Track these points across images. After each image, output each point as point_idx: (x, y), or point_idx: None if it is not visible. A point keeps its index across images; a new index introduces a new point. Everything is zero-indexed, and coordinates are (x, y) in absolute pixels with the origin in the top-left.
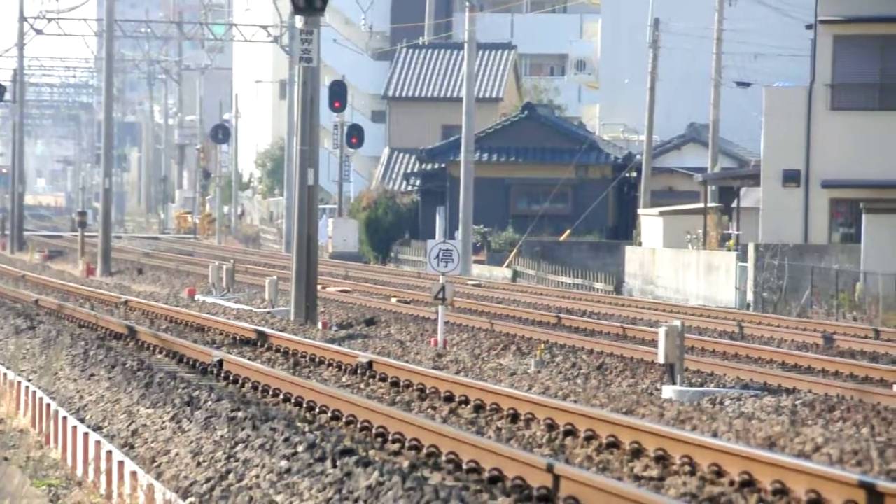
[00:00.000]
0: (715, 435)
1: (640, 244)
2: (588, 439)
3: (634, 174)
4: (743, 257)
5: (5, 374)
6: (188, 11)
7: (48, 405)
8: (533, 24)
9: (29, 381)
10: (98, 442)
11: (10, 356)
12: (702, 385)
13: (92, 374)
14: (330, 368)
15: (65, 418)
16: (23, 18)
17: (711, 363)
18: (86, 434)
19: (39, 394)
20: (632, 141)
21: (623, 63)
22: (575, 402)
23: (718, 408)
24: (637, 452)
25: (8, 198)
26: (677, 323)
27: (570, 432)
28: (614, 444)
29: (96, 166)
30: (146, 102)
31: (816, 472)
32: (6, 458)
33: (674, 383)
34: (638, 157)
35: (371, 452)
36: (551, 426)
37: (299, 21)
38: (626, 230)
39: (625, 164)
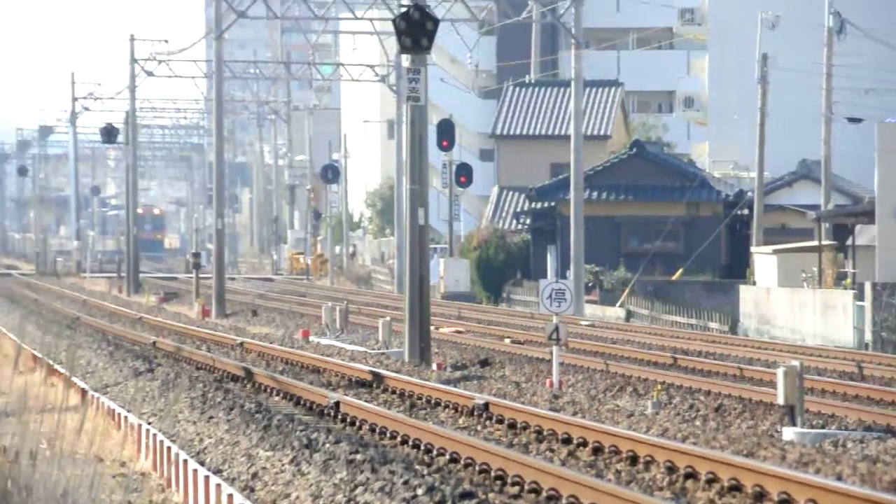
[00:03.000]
0: (839, 478)
1: (754, 283)
2: (709, 482)
3: (746, 212)
4: (860, 296)
5: (126, 417)
6: (296, 52)
7: (169, 448)
8: (640, 61)
9: (149, 423)
10: (219, 485)
11: (130, 399)
12: (823, 427)
13: (211, 417)
14: (446, 410)
15: (185, 461)
16: (134, 61)
17: (832, 404)
18: (206, 477)
19: (160, 437)
20: (742, 178)
21: (731, 99)
22: (695, 444)
23: (841, 450)
24: (760, 496)
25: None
26: (796, 363)
27: (691, 475)
28: (736, 488)
29: (208, 207)
30: (256, 143)
31: None
32: (129, 503)
33: (794, 425)
34: (749, 194)
35: (491, 496)
36: (671, 469)
37: (406, 60)
38: (739, 269)
39: (736, 201)
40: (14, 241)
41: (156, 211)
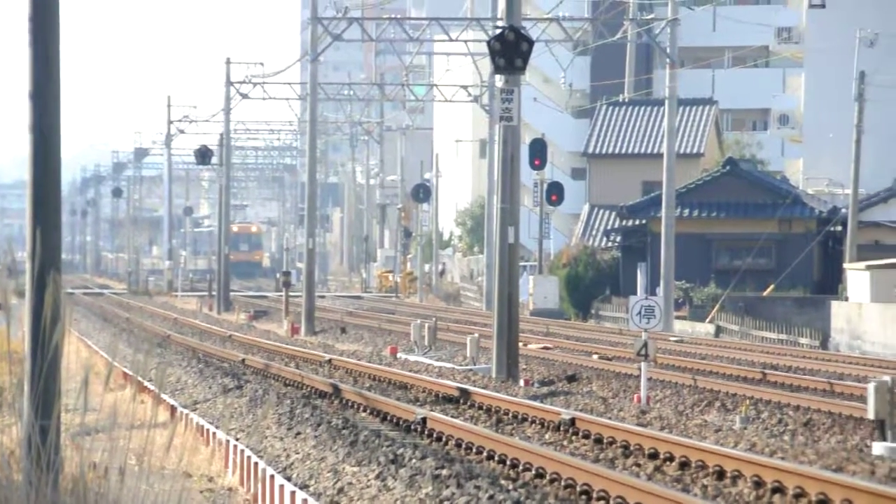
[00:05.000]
0: None
1: (846, 299)
2: (797, 497)
3: (839, 228)
4: None
5: (214, 433)
6: (389, 73)
7: (256, 463)
8: (734, 79)
9: (237, 439)
10: (305, 500)
11: (219, 415)
12: None
13: (298, 433)
14: (533, 426)
15: (272, 476)
16: (229, 83)
17: None
18: (293, 493)
19: (247, 452)
20: (836, 195)
21: (827, 116)
22: (782, 458)
23: None
24: None
25: (215, 259)
26: (887, 378)
27: (778, 489)
28: (824, 503)
29: (300, 227)
30: (348, 163)
31: None
32: None
33: (884, 440)
34: (843, 210)
35: None
36: (758, 483)
37: (499, 80)
38: (831, 285)
39: (829, 217)
40: (107, 262)
41: (253, 229)
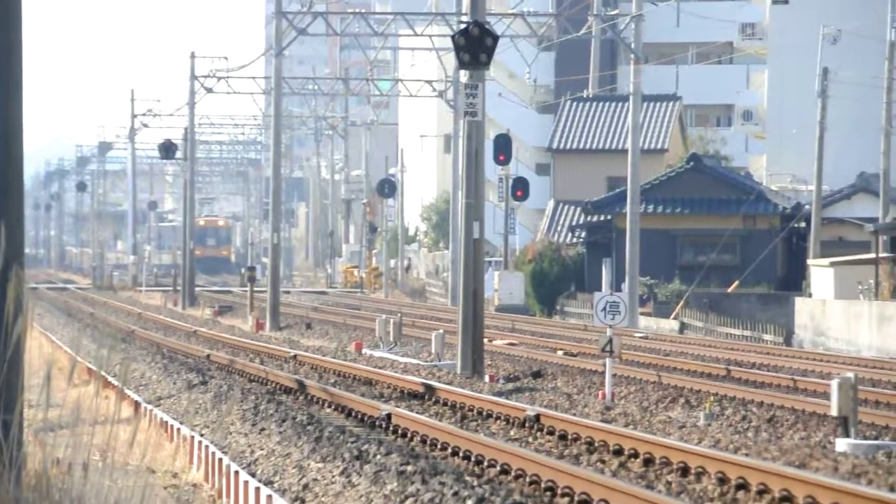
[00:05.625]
0: (892, 489)
1: (810, 295)
2: (760, 493)
3: (803, 224)
4: None
5: (179, 429)
6: (354, 68)
7: (220, 459)
8: (698, 75)
9: (202, 435)
10: (270, 496)
11: (184, 411)
12: (877, 438)
13: (263, 429)
14: (497, 422)
15: (237, 472)
16: (194, 77)
17: (886, 416)
18: (257, 488)
19: (212, 448)
20: (800, 191)
21: (790, 113)
22: (746, 455)
23: (894, 462)
24: None
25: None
26: (850, 375)
27: (742, 486)
28: (787, 499)
29: (264, 222)
30: (313, 158)
31: None
32: None
33: (847, 436)
34: (807, 207)
35: None
36: (723, 480)
37: (464, 76)
38: (795, 281)
39: (793, 214)
40: (72, 256)
41: (220, 222)
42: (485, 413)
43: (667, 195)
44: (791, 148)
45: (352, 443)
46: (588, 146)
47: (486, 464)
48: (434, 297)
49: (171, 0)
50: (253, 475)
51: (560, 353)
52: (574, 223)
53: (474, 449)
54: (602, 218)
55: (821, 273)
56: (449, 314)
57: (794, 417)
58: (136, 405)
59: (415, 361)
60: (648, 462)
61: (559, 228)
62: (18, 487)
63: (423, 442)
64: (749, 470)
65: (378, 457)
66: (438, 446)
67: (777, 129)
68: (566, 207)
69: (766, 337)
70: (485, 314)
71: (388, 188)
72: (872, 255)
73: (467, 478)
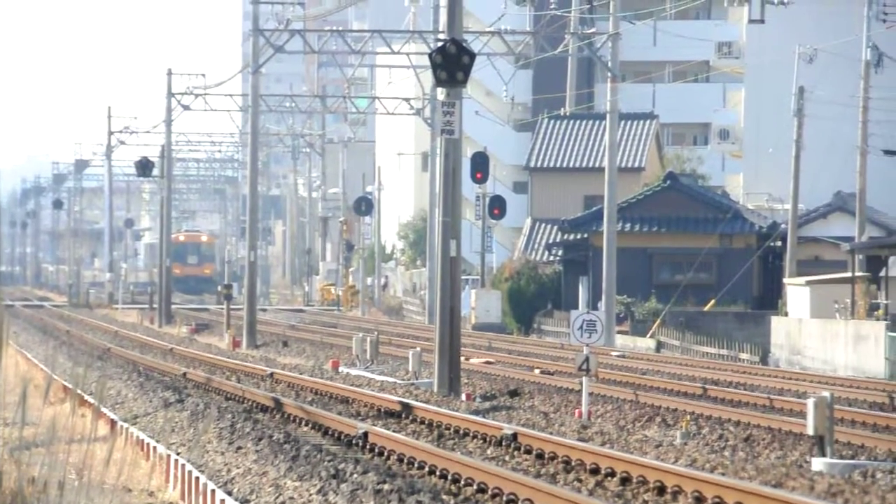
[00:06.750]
0: None
1: (786, 314)
2: None
3: (780, 243)
4: (893, 327)
5: (155, 447)
6: (331, 86)
7: (197, 478)
8: (675, 94)
9: (178, 454)
10: None
11: (160, 429)
12: (853, 457)
13: (239, 447)
14: (474, 440)
15: (213, 491)
16: (171, 95)
17: (862, 435)
18: None
19: (188, 467)
20: (776, 210)
21: (767, 132)
22: (723, 474)
23: (870, 481)
24: None
25: (157, 271)
26: (826, 394)
27: None
28: None
29: (241, 239)
30: (290, 176)
31: None
32: None
33: (824, 455)
34: (783, 226)
35: None
36: (699, 499)
37: (441, 94)
38: (771, 300)
39: (769, 233)
40: (48, 274)
41: (203, 238)
42: (462, 432)
43: (644, 214)
44: (767, 167)
45: (328, 461)
46: (565, 164)
47: (462, 483)
48: (411, 314)
49: (148, 17)
50: (229, 494)
51: (537, 371)
52: (551, 241)
53: (451, 468)
54: (579, 236)
55: (797, 292)
56: (426, 332)
57: (770, 436)
58: (112, 423)
59: (391, 380)
60: (625, 481)
61: (536, 247)
62: None
63: (400, 460)
64: (725, 489)
65: (355, 475)
66: (415, 465)
67: (753, 148)
68: (543, 226)
69: (743, 356)
70: (462, 332)
71: (365, 206)
72: (848, 274)
73: (444, 496)
